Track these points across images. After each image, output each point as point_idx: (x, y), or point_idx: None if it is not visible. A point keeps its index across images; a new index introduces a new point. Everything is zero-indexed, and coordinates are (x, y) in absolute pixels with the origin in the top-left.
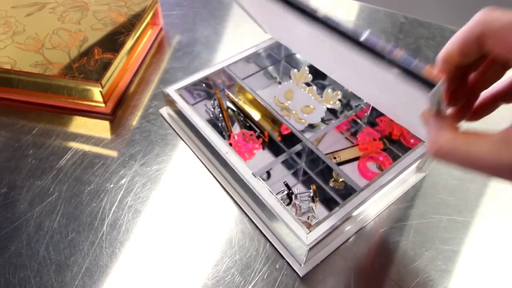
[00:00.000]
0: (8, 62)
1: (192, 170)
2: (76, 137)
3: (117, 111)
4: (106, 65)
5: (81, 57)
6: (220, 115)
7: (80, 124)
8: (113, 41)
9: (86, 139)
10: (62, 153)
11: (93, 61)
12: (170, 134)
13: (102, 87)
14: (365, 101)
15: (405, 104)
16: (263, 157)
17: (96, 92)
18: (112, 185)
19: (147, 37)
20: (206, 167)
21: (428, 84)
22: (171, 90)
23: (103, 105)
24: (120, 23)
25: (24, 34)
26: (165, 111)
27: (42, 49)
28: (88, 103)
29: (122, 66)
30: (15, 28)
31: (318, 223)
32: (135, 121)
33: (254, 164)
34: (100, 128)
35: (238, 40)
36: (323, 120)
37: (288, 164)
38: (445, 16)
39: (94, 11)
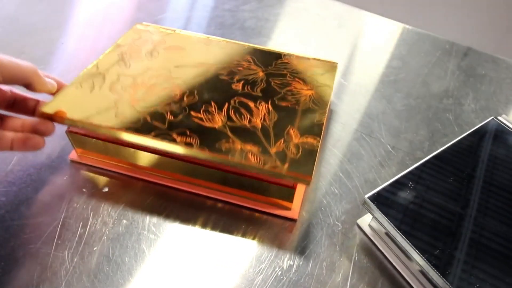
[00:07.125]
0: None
1: None
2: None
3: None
4: (311, 153)
5: (276, 139)
6: None
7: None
8: (308, 120)
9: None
10: None
11: (293, 146)
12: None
13: (308, 184)
14: None
15: None
16: None
17: (289, 191)
18: None
19: None
20: None
21: None
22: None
23: (290, 209)
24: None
25: (199, 103)
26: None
27: (225, 124)
28: (272, 204)
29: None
30: (187, 93)
31: None
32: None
33: None
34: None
35: None
36: None
37: None
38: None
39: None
